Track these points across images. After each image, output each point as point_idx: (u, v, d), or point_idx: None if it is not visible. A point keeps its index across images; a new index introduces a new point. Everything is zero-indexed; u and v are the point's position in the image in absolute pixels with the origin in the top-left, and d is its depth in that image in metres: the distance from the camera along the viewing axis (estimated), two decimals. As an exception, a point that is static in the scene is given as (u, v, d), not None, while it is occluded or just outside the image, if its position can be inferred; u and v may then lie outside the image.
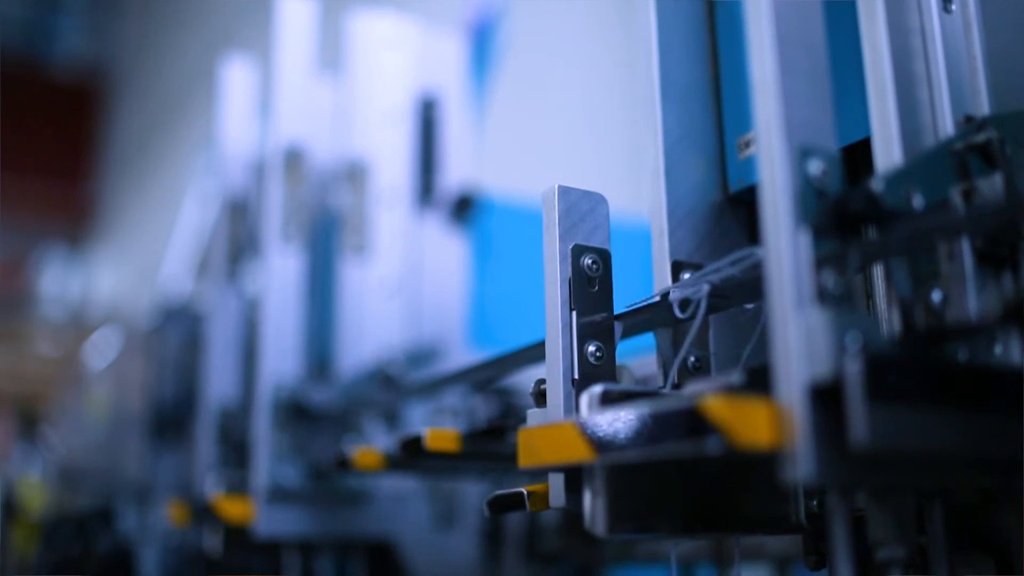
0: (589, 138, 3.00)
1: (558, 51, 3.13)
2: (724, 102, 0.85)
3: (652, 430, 0.62)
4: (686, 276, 0.79)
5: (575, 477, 0.74)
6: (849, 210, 0.62)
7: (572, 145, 3.05)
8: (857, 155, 0.74)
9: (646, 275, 0.82)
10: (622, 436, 0.64)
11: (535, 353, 0.89)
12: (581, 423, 0.68)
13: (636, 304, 0.78)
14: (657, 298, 0.77)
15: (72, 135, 11.05)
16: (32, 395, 5.86)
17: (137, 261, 7.72)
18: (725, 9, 0.87)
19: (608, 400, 0.70)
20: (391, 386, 1.36)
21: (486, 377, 1.09)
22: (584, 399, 0.71)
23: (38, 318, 9.89)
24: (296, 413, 1.37)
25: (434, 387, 1.15)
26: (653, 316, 0.78)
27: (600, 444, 0.66)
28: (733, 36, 0.85)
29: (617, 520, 0.69)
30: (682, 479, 0.72)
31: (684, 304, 0.73)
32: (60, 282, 11.58)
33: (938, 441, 0.57)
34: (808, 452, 0.55)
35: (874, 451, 0.54)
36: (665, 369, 0.81)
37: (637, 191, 0.91)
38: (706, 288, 0.72)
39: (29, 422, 5.05)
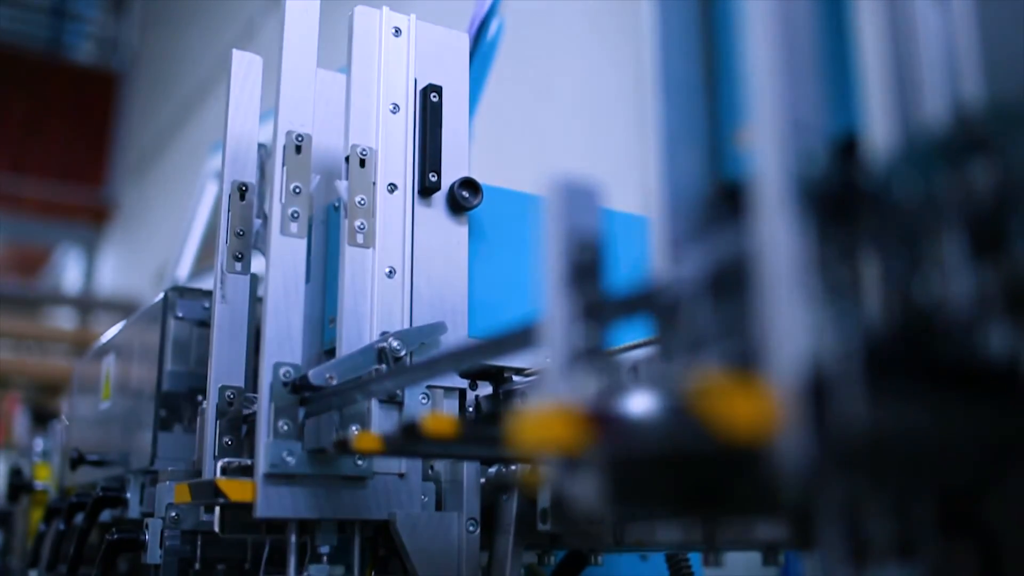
0: (585, 129, 2.99)
1: (553, 44, 3.12)
2: (720, 94, 0.85)
3: (644, 417, 0.63)
4: (679, 263, 0.79)
5: (568, 461, 0.75)
6: (841, 199, 0.62)
7: (567, 136, 3.04)
8: (849, 149, 0.74)
9: (642, 263, 0.83)
10: (615, 422, 0.65)
11: (531, 337, 0.90)
12: (575, 408, 0.68)
13: (631, 290, 0.79)
14: (652, 284, 0.78)
15: (91, 130, 11.18)
16: (49, 386, 5.95)
17: (155, 256, 7.77)
18: (722, 1, 0.87)
19: (601, 386, 0.71)
20: (392, 366, 1.37)
21: (484, 359, 1.10)
22: (578, 385, 0.72)
23: (56, 309, 9.99)
24: (297, 395, 1.38)
25: (434, 368, 1.16)
26: (648, 302, 0.79)
27: (592, 430, 0.66)
28: (729, 27, 0.85)
29: (608, 503, 0.70)
30: (675, 462, 0.72)
31: (677, 291, 0.74)
32: (78, 275, 11.67)
33: (932, 431, 0.57)
34: (799, 442, 0.55)
35: (868, 441, 0.54)
36: (660, 356, 0.81)
37: (632, 180, 0.91)
38: (699, 275, 0.72)
39: (44, 409, 5.12)
